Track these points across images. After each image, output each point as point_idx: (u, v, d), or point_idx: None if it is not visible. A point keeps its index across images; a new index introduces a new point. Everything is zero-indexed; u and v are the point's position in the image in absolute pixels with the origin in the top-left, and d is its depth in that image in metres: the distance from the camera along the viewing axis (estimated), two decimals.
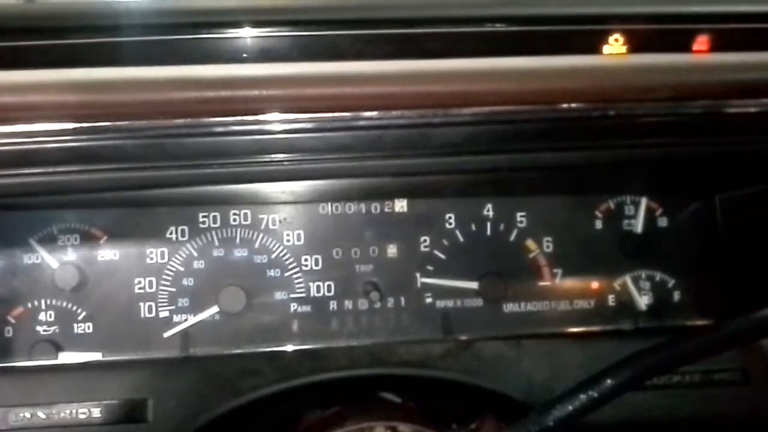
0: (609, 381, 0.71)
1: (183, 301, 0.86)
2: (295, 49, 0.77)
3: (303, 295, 0.88)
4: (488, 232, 0.90)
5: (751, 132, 0.69)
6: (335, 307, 0.88)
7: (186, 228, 0.87)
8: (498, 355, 0.83)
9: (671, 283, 0.91)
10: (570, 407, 0.71)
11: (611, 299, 0.91)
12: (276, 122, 0.62)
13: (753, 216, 0.88)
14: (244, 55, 0.76)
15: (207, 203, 0.87)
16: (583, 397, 0.71)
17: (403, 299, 0.89)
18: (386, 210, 0.89)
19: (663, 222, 0.92)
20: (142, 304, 0.86)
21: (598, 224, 0.91)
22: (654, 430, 0.84)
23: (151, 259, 0.87)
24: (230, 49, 0.75)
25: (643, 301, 0.91)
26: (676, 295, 0.91)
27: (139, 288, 0.86)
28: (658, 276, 0.91)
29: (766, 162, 0.79)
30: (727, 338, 0.68)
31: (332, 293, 0.88)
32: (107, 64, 0.68)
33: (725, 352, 0.78)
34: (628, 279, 0.91)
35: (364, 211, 0.89)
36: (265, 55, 0.77)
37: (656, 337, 0.71)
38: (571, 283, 0.90)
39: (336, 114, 0.62)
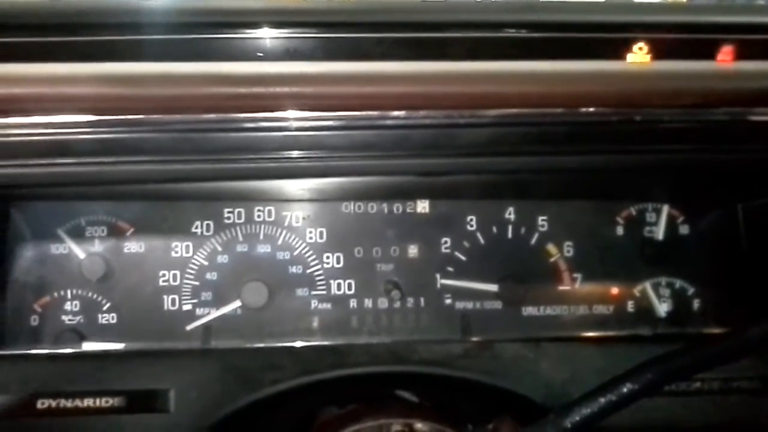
0: (627, 385, 0.71)
1: (206, 295, 0.88)
2: (322, 50, 0.78)
3: (324, 292, 0.89)
4: (509, 235, 0.90)
5: None
6: (356, 305, 0.89)
7: (211, 223, 0.88)
8: (516, 357, 0.84)
9: (691, 290, 0.91)
10: (588, 410, 0.71)
11: (630, 305, 0.91)
12: (303, 119, 0.63)
13: None
14: (275, 54, 0.77)
15: (232, 199, 0.88)
16: (601, 400, 0.71)
17: (423, 299, 0.89)
18: (408, 210, 0.90)
19: (684, 230, 0.92)
20: (165, 296, 0.88)
21: (619, 230, 0.91)
22: None
23: (176, 252, 0.88)
24: (261, 48, 0.77)
25: (662, 308, 0.91)
26: (696, 303, 0.91)
27: (164, 281, 0.88)
28: (678, 283, 0.91)
29: None
30: (746, 345, 0.68)
31: (353, 291, 0.89)
32: (137, 59, 0.69)
33: (744, 359, 0.78)
34: (648, 285, 0.91)
35: (386, 210, 0.90)
36: (293, 54, 0.78)
37: (675, 343, 0.71)
38: (590, 288, 0.91)
39: (363, 113, 0.63)
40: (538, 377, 0.83)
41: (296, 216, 0.89)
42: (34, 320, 0.87)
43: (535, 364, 0.83)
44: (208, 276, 0.88)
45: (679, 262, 0.91)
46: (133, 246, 0.88)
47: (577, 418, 0.71)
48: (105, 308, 0.87)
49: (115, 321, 0.87)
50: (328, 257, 0.89)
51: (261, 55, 0.76)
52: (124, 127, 0.63)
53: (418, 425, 0.76)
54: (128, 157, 0.67)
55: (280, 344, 0.86)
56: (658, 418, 0.81)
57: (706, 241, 0.92)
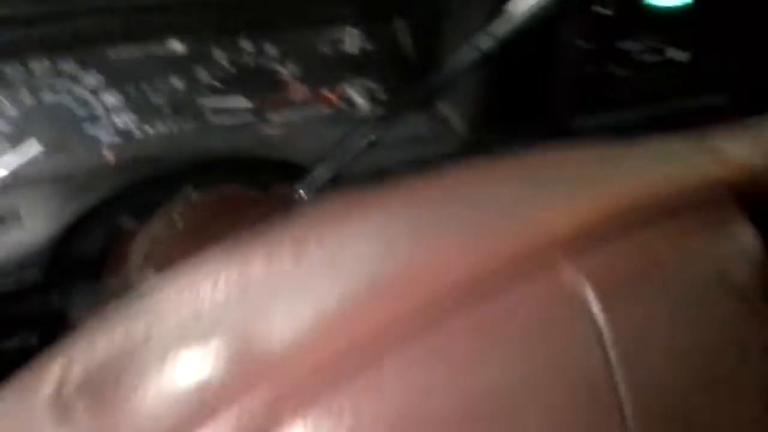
0: (357, 145, 1.05)
1: (3, 146, 0.98)
2: None
3: (111, 127, 1.06)
4: (247, 61, 1.16)
5: None
6: (140, 135, 1.08)
7: None
8: (276, 141, 1.13)
9: (378, 87, 1.28)
10: (340, 160, 1.03)
11: (341, 102, 1.25)
12: None
13: (429, 35, 1.27)
14: None
15: (7, 56, 0.98)
16: (342, 156, 1.04)
17: (192, 120, 1.12)
18: (167, 49, 1.10)
19: (366, 44, 1.27)
20: None
21: (327, 49, 1.23)
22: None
23: None
24: None
25: (362, 102, 1.26)
26: (382, 95, 1.28)
27: None
28: (371, 84, 1.27)
29: None
30: (409, 104, 1.05)
31: (135, 123, 1.07)
32: None
33: (412, 116, 1.17)
34: (352, 89, 1.25)
35: (149, 52, 1.08)
36: None
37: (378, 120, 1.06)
38: (315, 93, 1.22)
39: None
40: (298, 150, 1.13)
41: (71, 64, 1.03)
42: None
43: (294, 143, 1.13)
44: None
45: (370, 68, 1.26)
46: None
47: (336, 166, 1.03)
48: None
49: None
50: (107, 97, 1.05)
51: None
52: None
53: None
54: None
55: (81, 173, 1.02)
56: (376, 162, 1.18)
57: (384, 50, 1.28)
